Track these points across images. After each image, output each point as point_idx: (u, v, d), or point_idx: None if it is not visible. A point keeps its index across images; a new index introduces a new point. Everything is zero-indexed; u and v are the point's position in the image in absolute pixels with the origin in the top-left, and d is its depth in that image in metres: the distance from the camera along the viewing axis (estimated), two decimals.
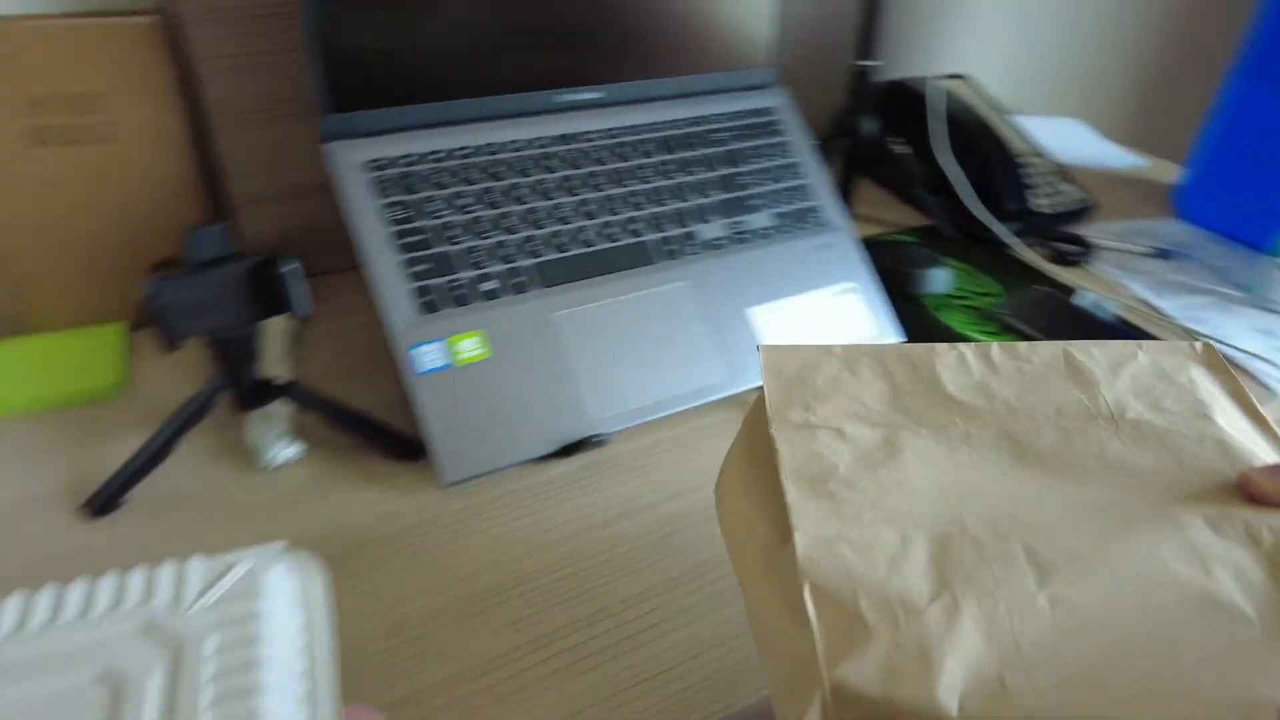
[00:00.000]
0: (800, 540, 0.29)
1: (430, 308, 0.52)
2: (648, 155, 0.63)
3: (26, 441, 0.52)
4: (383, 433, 0.51)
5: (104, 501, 0.47)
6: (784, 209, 0.65)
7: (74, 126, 0.55)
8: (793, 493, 0.31)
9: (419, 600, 0.44)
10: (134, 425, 0.54)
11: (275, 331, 0.59)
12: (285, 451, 0.51)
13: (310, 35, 0.51)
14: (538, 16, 0.58)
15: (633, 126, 0.64)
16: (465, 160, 0.57)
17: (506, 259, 0.55)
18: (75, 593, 0.35)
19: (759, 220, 0.64)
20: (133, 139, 0.57)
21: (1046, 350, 0.37)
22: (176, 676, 0.33)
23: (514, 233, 0.56)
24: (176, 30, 0.57)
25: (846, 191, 0.80)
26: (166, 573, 0.36)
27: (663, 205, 0.61)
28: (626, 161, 0.62)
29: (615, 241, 0.58)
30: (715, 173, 0.64)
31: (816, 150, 0.70)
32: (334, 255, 0.68)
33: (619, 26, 0.61)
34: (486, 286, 0.54)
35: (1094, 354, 0.38)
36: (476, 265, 0.54)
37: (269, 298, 0.46)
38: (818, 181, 0.68)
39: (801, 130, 0.70)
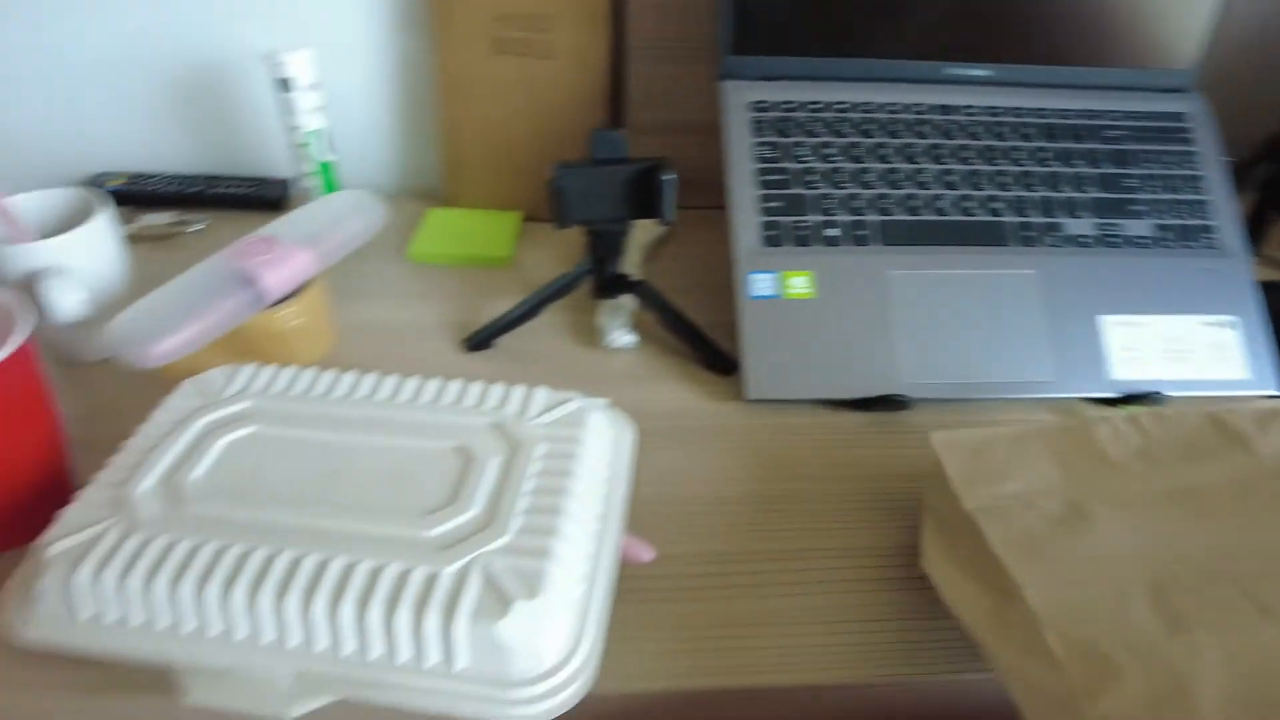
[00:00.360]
0: (1031, 596, 0.33)
1: (773, 242, 0.56)
2: (1026, 139, 0.61)
3: (436, 284, 0.65)
4: (705, 343, 0.56)
5: (479, 341, 0.58)
6: (1170, 221, 0.59)
7: (526, 41, 0.67)
8: (1008, 559, 0.35)
9: (696, 484, 0.48)
10: (512, 290, 0.65)
11: (638, 238, 0.67)
12: (624, 338, 0.58)
13: None
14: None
15: (1016, 109, 0.62)
16: (840, 114, 0.60)
17: (855, 210, 0.57)
18: (453, 387, 0.44)
19: (1137, 227, 0.59)
20: (567, 58, 0.67)
21: (1193, 414, 0.41)
22: (510, 464, 0.40)
23: (869, 188, 0.58)
24: None
25: (1256, 224, 0.70)
26: (518, 392, 0.44)
27: (1030, 191, 0.59)
28: (1002, 141, 0.60)
29: (970, 216, 0.58)
30: (1098, 169, 0.60)
31: (1228, 170, 0.62)
32: (694, 193, 0.74)
33: (1026, 6, 0.60)
34: (830, 233, 0.56)
35: (1240, 411, 0.41)
36: (825, 211, 0.57)
37: (645, 201, 0.53)
38: (1220, 202, 0.61)
39: (1214, 144, 0.63)
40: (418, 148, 0.78)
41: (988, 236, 0.57)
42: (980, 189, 0.59)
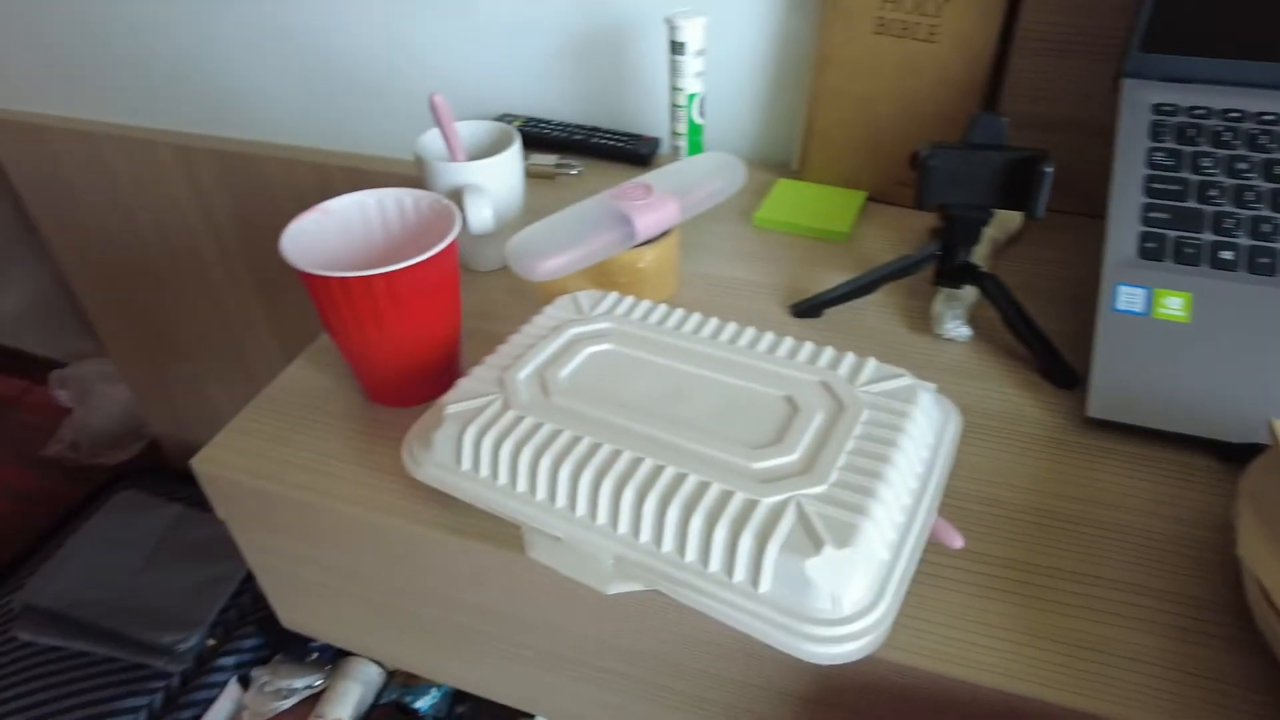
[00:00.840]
0: None
1: (1151, 255, 0.51)
2: None
3: (774, 250, 0.68)
4: (1050, 349, 0.53)
5: (809, 307, 0.60)
6: None
7: (910, 23, 0.66)
8: None
9: (1011, 489, 0.46)
10: (846, 266, 0.66)
11: (990, 231, 0.65)
12: (960, 329, 0.57)
13: None
14: None
15: None
16: (1265, 127, 0.53)
17: (1259, 235, 0.50)
18: (787, 342, 0.47)
19: None
20: (949, 43, 0.66)
21: None
22: (834, 422, 0.42)
23: None
24: None
25: None
26: (849, 358, 0.46)
27: None
28: None
29: None
30: None
31: None
32: (1059, 195, 0.70)
33: None
34: (1224, 255, 0.50)
35: None
36: (1223, 230, 0.51)
37: (1016, 191, 0.51)
38: None
39: None
40: (778, 119, 0.82)
41: None
42: None
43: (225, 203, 1.12)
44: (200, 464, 0.51)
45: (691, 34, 0.68)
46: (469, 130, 0.65)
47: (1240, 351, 0.48)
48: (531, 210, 0.74)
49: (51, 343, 1.79)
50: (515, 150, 0.61)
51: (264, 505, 0.51)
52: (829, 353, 0.46)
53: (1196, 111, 0.54)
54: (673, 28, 0.68)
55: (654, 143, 0.82)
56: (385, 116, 0.98)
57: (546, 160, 0.79)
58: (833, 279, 0.65)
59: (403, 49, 0.91)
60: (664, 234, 0.61)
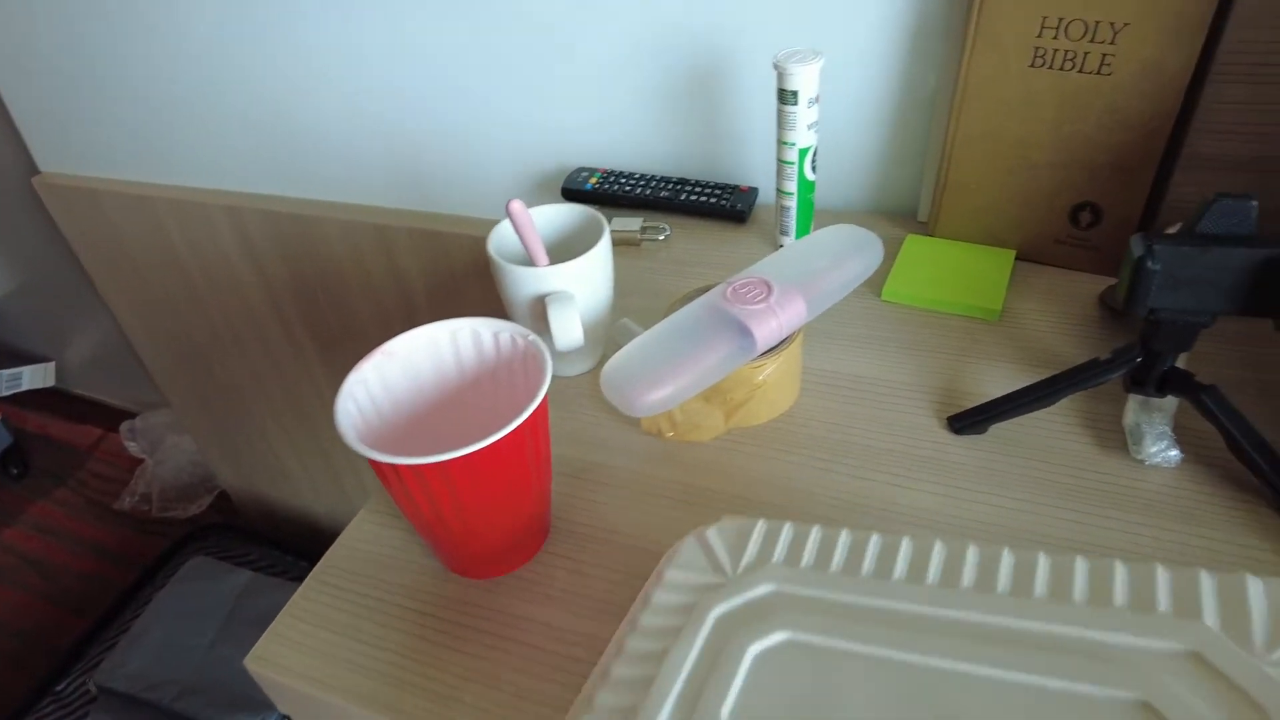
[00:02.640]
0: None
1: None
2: None
3: (911, 333, 0.57)
4: None
5: (970, 422, 0.49)
6: None
7: (1076, 53, 0.54)
8: None
9: None
10: (1002, 351, 0.54)
11: None
12: (1167, 452, 0.45)
13: None
14: None
15: None
16: None
17: None
18: (1082, 568, 0.30)
19: None
20: (1129, 75, 0.53)
21: None
22: None
23: None
24: None
25: None
26: (1220, 584, 0.28)
27: None
28: None
29: None
30: None
31: None
32: None
33: None
34: None
35: None
36: None
37: (1262, 298, 0.39)
38: None
39: None
40: (902, 165, 0.70)
41: None
42: None
43: (279, 262, 1.05)
44: (253, 663, 0.43)
45: (805, 80, 0.56)
46: (547, 217, 0.55)
47: None
48: (618, 288, 0.65)
49: (122, 392, 1.77)
50: (604, 245, 0.51)
51: (327, 712, 0.43)
52: (1167, 578, 0.28)
53: None
54: (782, 74, 0.57)
55: (752, 195, 0.71)
56: (455, 168, 0.89)
57: (631, 225, 0.69)
58: (988, 374, 0.53)
59: (473, 95, 0.82)
60: (789, 336, 0.50)
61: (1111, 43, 0.53)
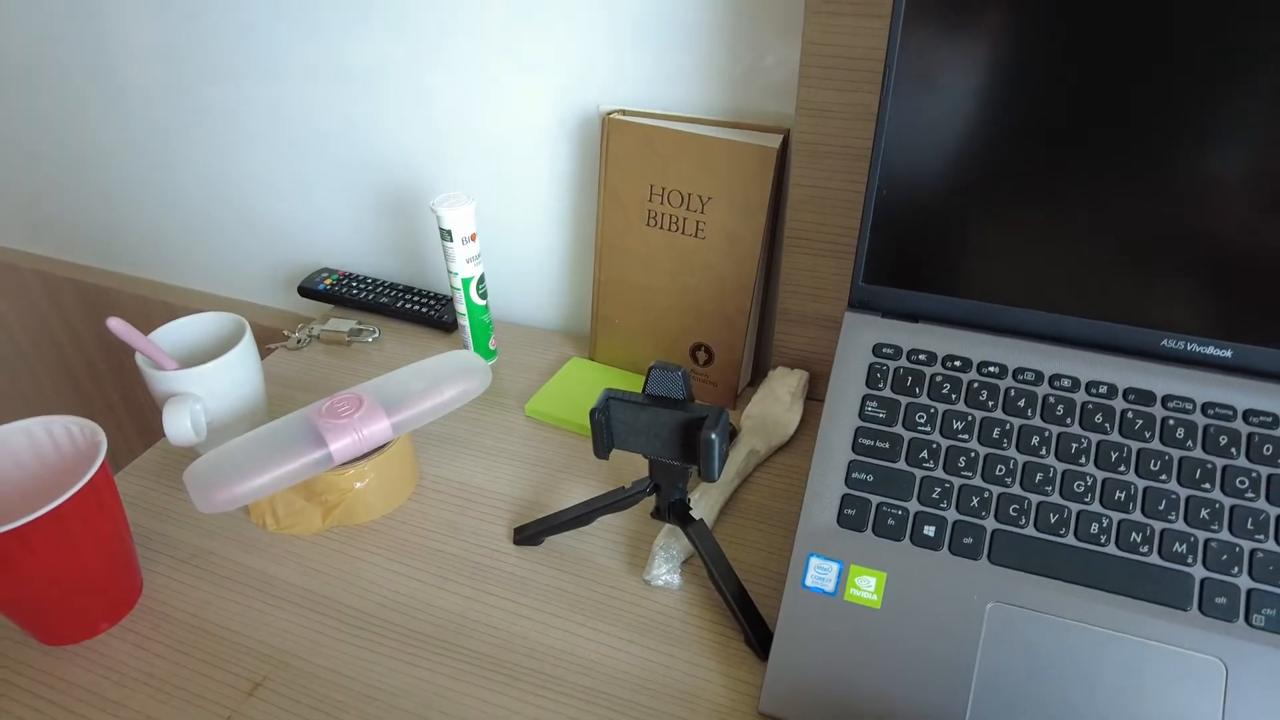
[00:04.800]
0: None
1: (852, 523, 0.46)
2: (1264, 460, 0.44)
3: (533, 448, 0.64)
4: (751, 616, 0.48)
5: (528, 536, 0.56)
6: None
7: (678, 218, 0.63)
8: None
9: None
10: (599, 475, 0.61)
11: (754, 441, 0.60)
12: (667, 577, 0.52)
13: (871, 196, 0.48)
14: (1175, 232, 0.44)
15: (1260, 414, 0.45)
16: (987, 379, 0.48)
17: (970, 510, 0.45)
18: None
19: None
20: (718, 239, 0.62)
21: None
22: None
23: (998, 483, 0.46)
24: (783, 157, 0.59)
25: None
26: None
27: (1248, 538, 0.42)
28: (1222, 456, 0.44)
29: (1135, 553, 0.43)
30: None
31: None
32: None
33: None
34: (927, 530, 0.45)
35: None
36: (930, 501, 0.46)
37: (691, 451, 0.47)
38: None
39: None
40: (582, 293, 0.78)
41: (1155, 590, 0.42)
42: (1163, 518, 0.43)
43: (89, 329, 1.11)
44: None
45: (456, 222, 0.65)
46: (199, 326, 0.62)
47: (929, 648, 0.43)
48: (318, 381, 0.72)
49: None
50: (238, 350, 0.59)
51: None
52: None
53: (918, 357, 0.50)
54: (437, 215, 0.65)
55: None
56: (214, 251, 0.96)
57: (342, 326, 0.77)
58: (582, 492, 0.60)
59: (237, 190, 0.90)
60: (383, 447, 0.57)
61: (702, 212, 0.62)
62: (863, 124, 0.56)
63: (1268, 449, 0.44)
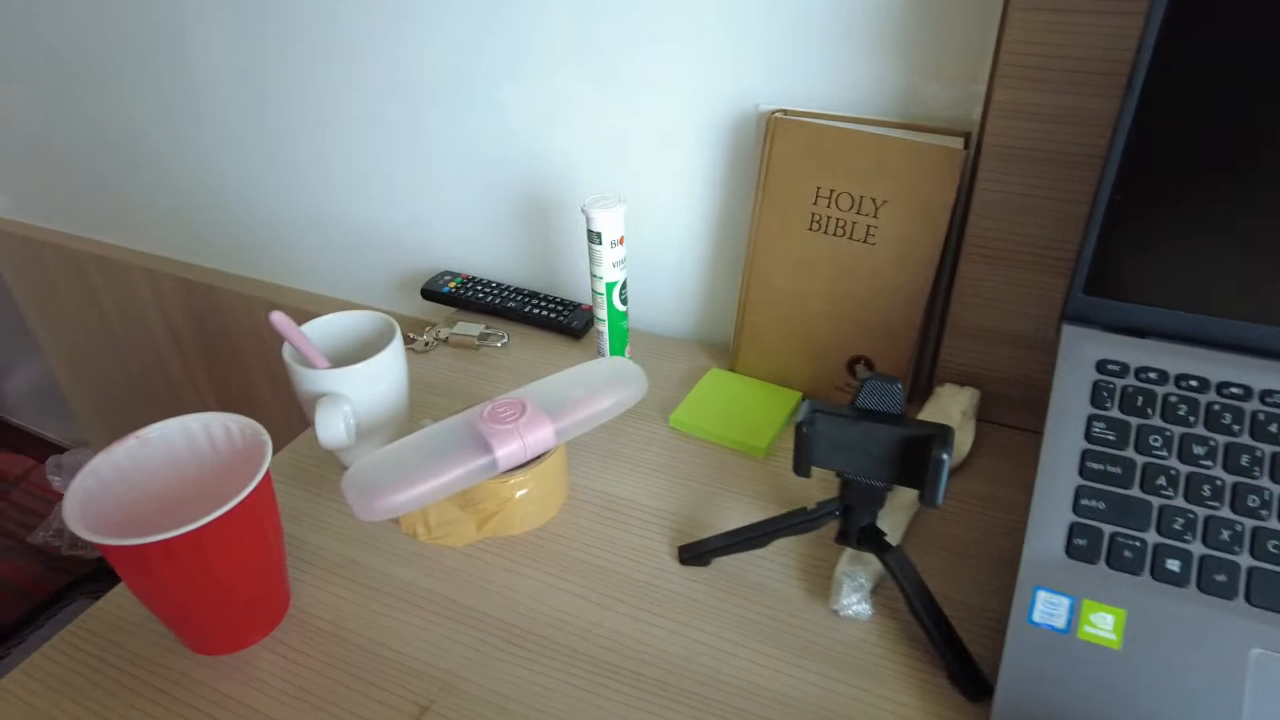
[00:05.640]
0: None
1: (1083, 554, 0.42)
2: None
3: (683, 461, 0.61)
4: (956, 649, 0.44)
5: (695, 555, 0.52)
6: None
7: (846, 222, 0.60)
8: None
9: None
10: (761, 489, 0.58)
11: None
12: (857, 607, 0.48)
13: (1101, 202, 0.45)
14: None
15: None
16: (1230, 400, 0.44)
17: (1216, 543, 0.41)
18: None
19: None
20: (889, 246, 0.59)
21: None
22: None
23: (1251, 515, 0.41)
24: (972, 158, 0.56)
25: None
26: None
27: None
28: None
29: None
30: None
31: None
32: (1022, 412, 0.61)
33: None
34: (1170, 565, 0.41)
35: None
36: (1171, 533, 0.42)
37: (908, 472, 0.43)
38: None
39: None
40: (723, 305, 0.75)
41: None
42: None
43: (187, 323, 1.10)
44: None
45: (606, 224, 0.62)
46: (345, 324, 0.60)
47: (1182, 695, 0.39)
48: (447, 385, 0.69)
49: (58, 426, 1.81)
50: (390, 351, 0.56)
51: None
52: None
53: (1148, 375, 0.46)
54: (587, 217, 0.62)
55: (589, 314, 0.76)
56: (329, 253, 0.95)
57: (471, 330, 0.74)
58: (740, 510, 0.57)
59: (359, 193, 0.88)
60: (543, 455, 0.54)
61: (875, 216, 0.59)
62: (1066, 127, 0.52)
63: None
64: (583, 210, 0.62)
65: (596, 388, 0.55)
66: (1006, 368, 0.60)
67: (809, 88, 0.62)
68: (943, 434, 0.41)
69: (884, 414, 0.43)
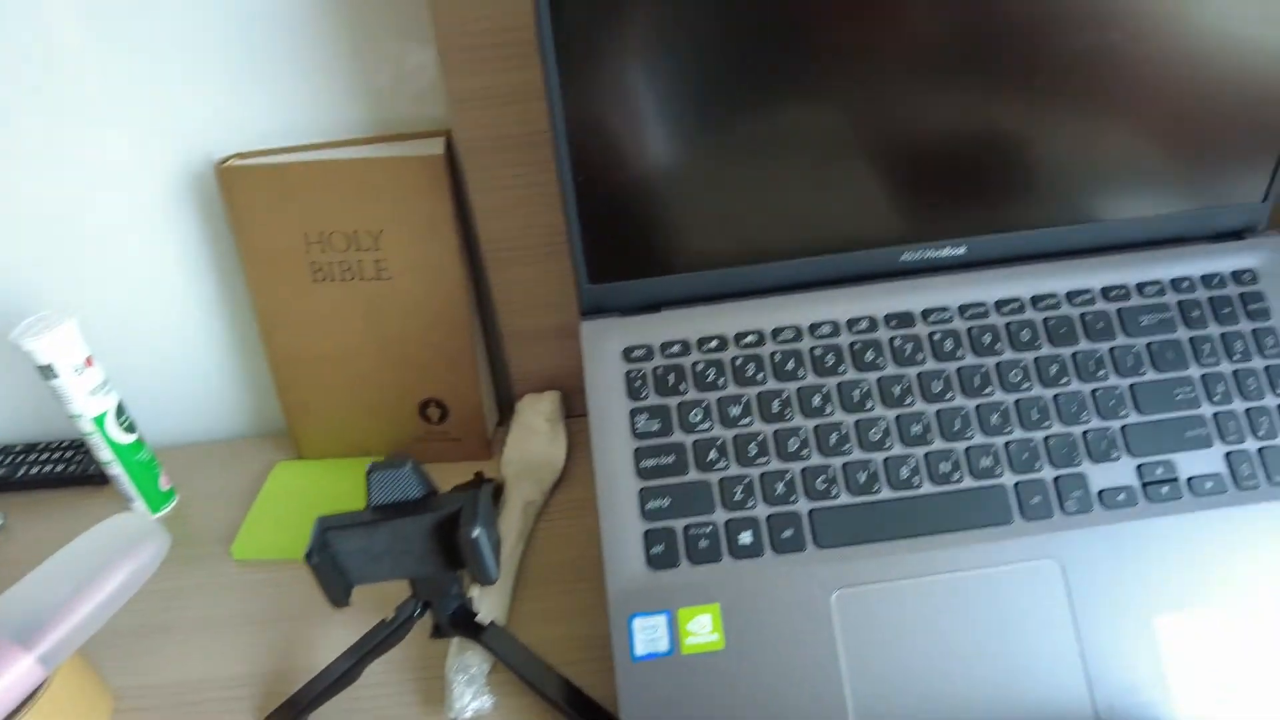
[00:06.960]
0: None
1: (663, 561, 0.39)
2: (1023, 345, 0.43)
3: (262, 597, 0.50)
4: (584, 713, 0.40)
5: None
6: (1247, 446, 0.41)
7: (349, 263, 0.52)
8: None
9: None
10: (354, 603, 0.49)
11: (526, 492, 0.51)
12: (475, 704, 0.42)
13: (569, 185, 0.41)
14: (873, 144, 0.41)
15: (1006, 301, 0.44)
16: (748, 350, 0.43)
17: (775, 498, 0.40)
18: None
19: (1196, 463, 0.40)
20: (407, 277, 0.52)
21: None
22: None
23: (794, 458, 0.41)
24: (453, 161, 0.50)
25: None
26: None
27: (1035, 429, 0.41)
28: (988, 354, 0.42)
29: (950, 485, 0.40)
30: (1135, 378, 0.42)
31: None
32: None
33: (1011, 144, 0.42)
34: (742, 539, 0.39)
35: None
36: (732, 504, 0.40)
37: (455, 556, 0.37)
38: None
39: None
40: (261, 388, 0.64)
41: (978, 514, 0.40)
42: (962, 437, 0.41)
43: None
44: None
45: (55, 351, 0.48)
46: None
47: (792, 667, 0.37)
48: None
49: None
50: None
51: None
52: None
53: (672, 350, 0.43)
54: (25, 351, 0.48)
55: None
56: None
57: None
58: (336, 637, 0.48)
59: None
60: (38, 690, 0.41)
61: (377, 249, 0.51)
62: (526, 105, 0.48)
63: (1025, 335, 0.43)
64: (14, 344, 0.48)
65: (94, 570, 0.42)
66: (571, 361, 0.57)
67: (273, 123, 0.52)
68: (469, 504, 0.36)
69: (405, 503, 0.36)
